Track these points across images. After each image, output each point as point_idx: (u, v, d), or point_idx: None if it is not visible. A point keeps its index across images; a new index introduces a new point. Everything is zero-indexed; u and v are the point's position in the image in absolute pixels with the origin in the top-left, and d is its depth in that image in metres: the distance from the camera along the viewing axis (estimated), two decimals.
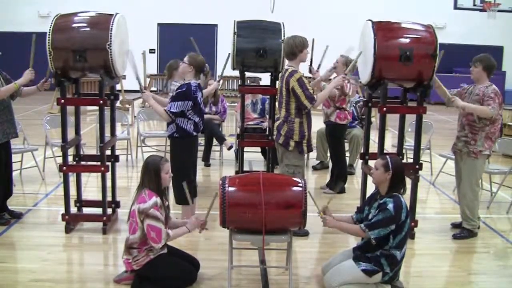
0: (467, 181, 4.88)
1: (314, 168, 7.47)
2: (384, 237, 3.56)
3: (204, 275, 3.95)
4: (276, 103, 5.34)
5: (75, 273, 4.10)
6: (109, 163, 4.86)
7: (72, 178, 5.10)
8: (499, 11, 15.43)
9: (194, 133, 4.76)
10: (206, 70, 5.02)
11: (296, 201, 3.57)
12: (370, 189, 4.36)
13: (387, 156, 3.76)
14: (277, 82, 5.25)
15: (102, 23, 4.42)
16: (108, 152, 4.95)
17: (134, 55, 4.74)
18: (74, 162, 5.00)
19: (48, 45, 4.35)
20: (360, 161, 5.24)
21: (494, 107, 4.61)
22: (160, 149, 7.80)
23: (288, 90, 4.62)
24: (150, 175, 3.66)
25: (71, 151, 5.02)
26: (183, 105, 4.60)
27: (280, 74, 5.01)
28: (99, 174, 4.91)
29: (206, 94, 5.13)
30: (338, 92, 6.02)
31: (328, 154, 7.06)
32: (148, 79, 12.25)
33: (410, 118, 5.15)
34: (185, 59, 4.77)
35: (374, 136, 6.05)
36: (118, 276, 3.86)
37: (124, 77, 5.09)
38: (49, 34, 4.35)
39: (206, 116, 6.99)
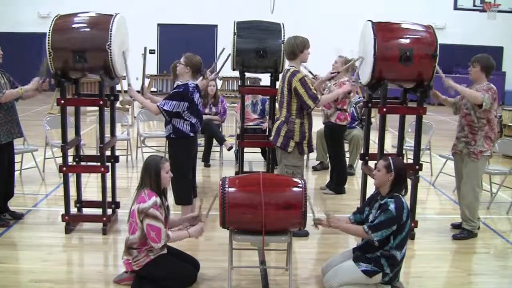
0: (469, 183, 4.86)
1: (314, 169, 7.46)
2: (385, 238, 3.56)
3: (204, 275, 3.95)
4: (276, 104, 5.33)
5: (75, 274, 4.10)
6: (109, 164, 4.87)
7: (72, 179, 5.09)
8: (499, 11, 15.42)
9: (191, 134, 4.73)
10: (203, 72, 5.00)
11: (296, 202, 3.57)
12: (370, 189, 4.36)
13: (389, 157, 3.75)
14: (277, 83, 5.25)
15: (102, 24, 4.42)
16: (108, 152, 4.94)
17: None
18: (74, 163, 5.00)
19: (48, 46, 4.35)
20: (360, 162, 5.24)
21: (486, 96, 4.61)
22: (160, 150, 7.80)
23: (290, 90, 4.60)
24: (150, 174, 3.66)
25: (71, 151, 5.02)
26: (178, 105, 4.57)
27: (280, 74, 5.01)
28: (99, 174, 4.91)
29: (202, 89, 5.12)
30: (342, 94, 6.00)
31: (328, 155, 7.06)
32: (148, 80, 12.22)
33: (410, 119, 5.14)
34: (182, 59, 4.75)
35: (374, 136, 6.04)
36: (118, 276, 3.86)
37: (124, 77, 5.08)
38: (49, 35, 4.35)
39: (206, 116, 7.03)
